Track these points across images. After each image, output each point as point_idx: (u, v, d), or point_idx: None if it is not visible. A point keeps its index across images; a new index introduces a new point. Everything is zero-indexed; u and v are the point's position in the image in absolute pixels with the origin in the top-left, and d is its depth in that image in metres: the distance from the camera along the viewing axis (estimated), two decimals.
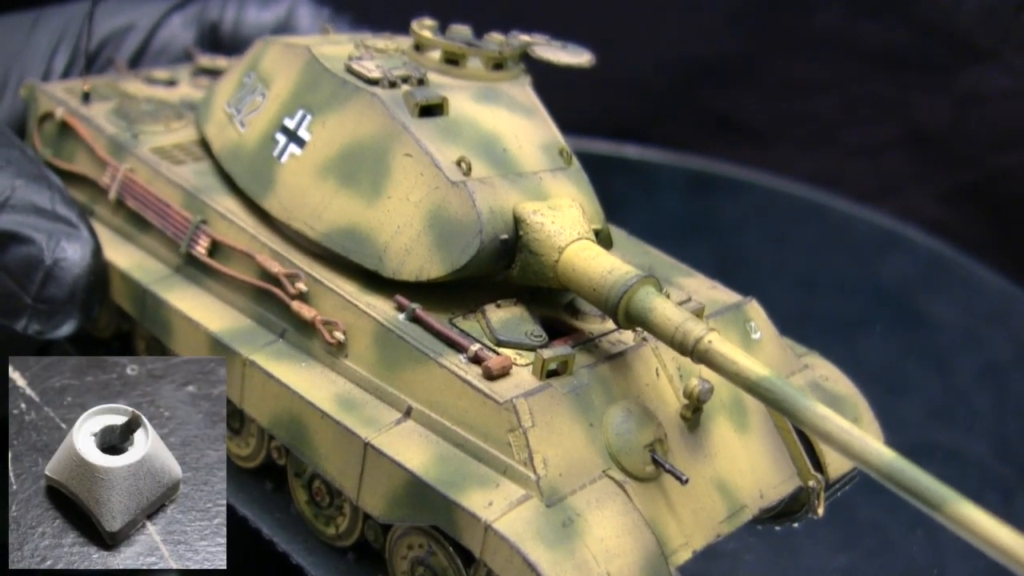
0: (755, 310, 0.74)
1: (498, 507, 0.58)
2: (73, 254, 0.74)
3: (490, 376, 0.61)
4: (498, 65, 0.74)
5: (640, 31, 1.52)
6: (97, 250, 0.76)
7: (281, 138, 0.74)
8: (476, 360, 0.62)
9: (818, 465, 0.71)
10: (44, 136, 0.87)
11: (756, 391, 0.57)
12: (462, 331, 0.65)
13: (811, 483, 0.70)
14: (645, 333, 0.65)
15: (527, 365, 0.63)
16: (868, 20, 1.65)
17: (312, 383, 0.67)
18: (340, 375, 0.67)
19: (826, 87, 1.68)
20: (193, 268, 0.76)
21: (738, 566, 0.98)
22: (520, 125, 0.71)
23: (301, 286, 0.69)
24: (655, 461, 0.62)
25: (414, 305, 0.66)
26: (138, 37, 0.97)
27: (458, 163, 0.66)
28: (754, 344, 0.72)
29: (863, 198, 1.58)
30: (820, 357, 0.77)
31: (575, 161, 0.71)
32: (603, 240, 0.69)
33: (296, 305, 0.69)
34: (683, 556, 0.62)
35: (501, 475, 0.60)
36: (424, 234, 0.66)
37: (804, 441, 0.71)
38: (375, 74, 0.71)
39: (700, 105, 1.67)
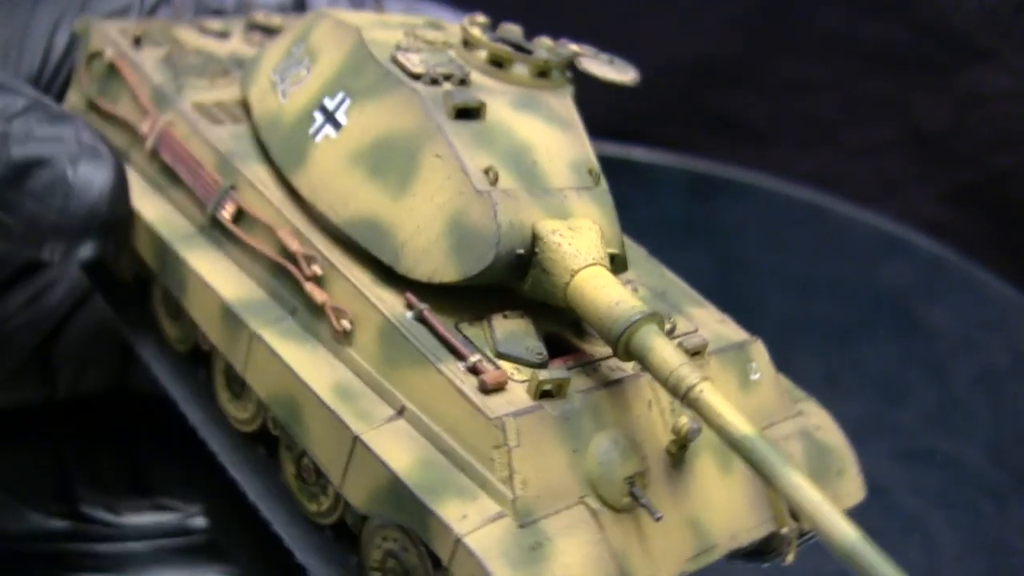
0: (758, 351, 0.73)
1: (471, 521, 0.58)
2: (95, 173, 0.75)
3: (485, 390, 0.61)
4: (543, 73, 0.73)
5: (640, 32, 1.51)
6: (121, 174, 0.77)
7: (319, 117, 0.73)
8: (474, 371, 0.62)
9: (794, 513, 0.70)
10: (91, 74, 0.87)
11: (737, 448, 0.57)
12: (466, 338, 0.65)
13: (784, 530, 0.70)
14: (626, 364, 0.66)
15: (523, 381, 0.63)
16: (868, 20, 1.64)
17: (314, 367, 0.67)
18: (343, 363, 0.67)
19: (826, 87, 1.68)
20: (217, 232, 0.76)
21: (730, 572, 0.98)
22: (554, 138, 0.70)
23: (316, 269, 0.69)
24: (632, 495, 0.62)
25: (423, 305, 0.66)
26: None
27: (486, 171, 0.66)
28: (752, 385, 0.72)
29: (863, 198, 1.58)
30: (816, 404, 0.77)
31: (603, 182, 0.70)
32: (618, 264, 0.69)
33: (309, 287, 0.69)
34: None
35: (480, 488, 0.60)
36: (443, 237, 0.66)
37: None
38: (418, 69, 0.70)
39: (700, 105, 1.67)
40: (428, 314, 0.65)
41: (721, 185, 1.56)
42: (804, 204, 1.52)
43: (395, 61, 0.71)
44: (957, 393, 1.22)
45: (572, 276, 0.64)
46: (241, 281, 0.73)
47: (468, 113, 0.68)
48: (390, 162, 0.69)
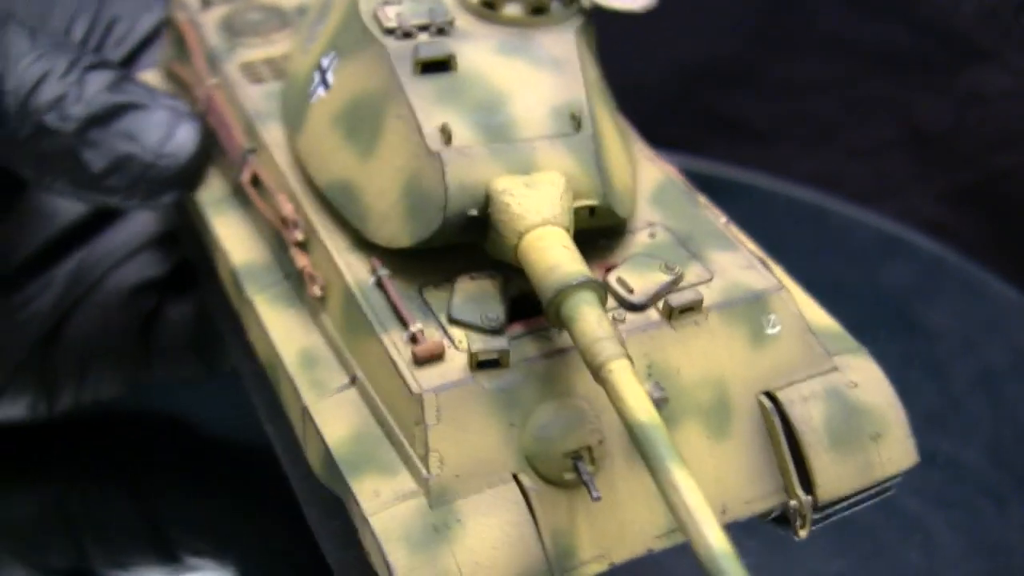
0: (781, 301, 0.66)
1: (382, 500, 0.58)
2: (187, 123, 0.79)
3: (417, 361, 0.60)
4: (538, 9, 0.69)
5: (640, 32, 1.51)
6: (205, 130, 0.80)
7: (316, 76, 0.72)
8: (414, 340, 0.61)
9: (808, 484, 0.66)
10: (169, 40, 0.88)
11: (631, 433, 0.53)
12: (426, 304, 0.64)
13: (793, 502, 0.65)
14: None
15: (467, 351, 0.61)
16: (868, 20, 1.64)
17: (289, 333, 0.68)
18: (317, 329, 0.68)
19: (826, 87, 1.68)
20: (242, 196, 0.77)
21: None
22: (539, 81, 0.67)
23: (298, 234, 0.69)
24: (576, 469, 0.59)
25: (383, 271, 0.65)
26: None
27: (440, 130, 0.63)
28: (767, 340, 0.66)
29: (863, 198, 1.58)
30: (866, 357, 0.69)
31: (588, 126, 0.66)
32: (600, 214, 0.65)
33: (293, 252, 0.69)
34: (594, 568, 0.61)
35: (402, 465, 0.59)
36: (399, 201, 0.65)
37: (797, 456, 0.66)
38: (391, 23, 0.67)
39: (700, 105, 1.67)
40: (387, 280, 0.64)
41: (721, 185, 1.55)
42: (804, 204, 1.51)
43: (374, 16, 0.69)
44: (957, 393, 1.22)
45: (520, 237, 0.60)
46: (252, 246, 0.74)
47: (436, 66, 0.66)
48: (361, 124, 0.68)
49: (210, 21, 0.84)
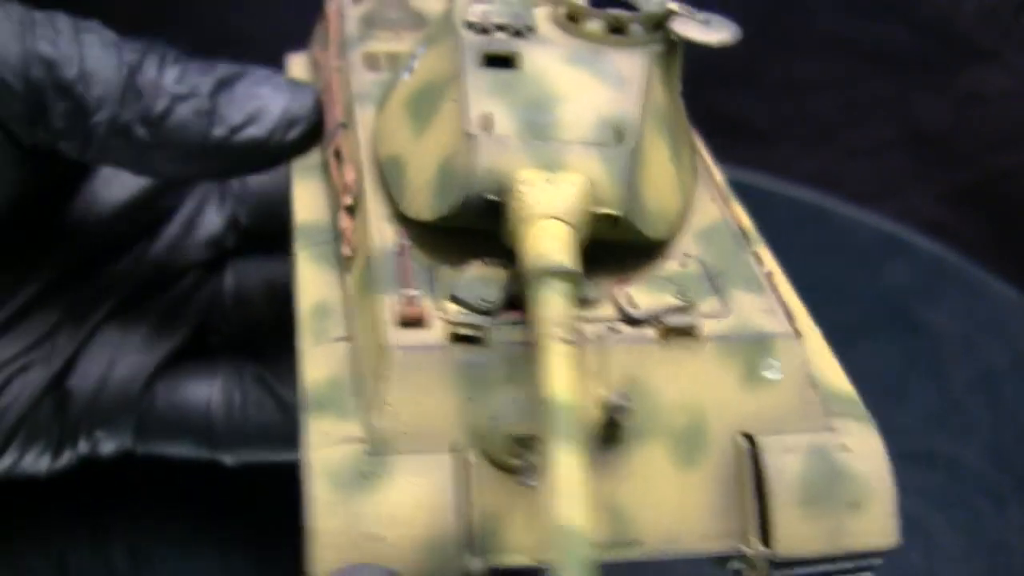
0: (789, 349, 0.65)
1: (328, 440, 0.60)
2: (307, 96, 0.86)
3: (400, 321, 0.62)
4: (616, 29, 0.72)
5: None
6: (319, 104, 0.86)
7: (408, 62, 0.77)
8: (406, 304, 0.63)
9: (768, 536, 0.62)
10: (319, 30, 0.93)
11: (543, 409, 0.53)
12: (434, 277, 0.66)
13: (748, 550, 0.62)
14: (598, 327, 0.64)
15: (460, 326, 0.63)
16: (868, 20, 1.64)
17: (314, 286, 0.71)
18: (341, 288, 0.71)
19: (826, 87, 1.68)
20: (327, 166, 0.82)
21: (726, 573, 0.98)
22: (596, 93, 0.68)
23: (348, 199, 0.73)
24: (518, 454, 0.60)
25: (406, 241, 0.68)
26: None
27: (484, 117, 0.66)
28: (761, 382, 0.64)
29: (863, 198, 1.58)
30: (871, 427, 0.66)
31: (630, 142, 0.67)
32: (624, 227, 0.66)
33: (340, 214, 0.74)
34: (516, 559, 0.60)
35: (360, 412, 0.61)
36: (433, 179, 0.67)
37: (764, 506, 0.63)
38: (475, 19, 0.71)
39: (700, 105, 1.67)
40: (406, 249, 0.67)
41: None
42: (804, 204, 1.52)
43: (463, 12, 0.73)
44: (957, 394, 1.22)
45: (524, 225, 0.62)
46: (318, 209, 0.78)
47: (501, 61, 0.69)
48: (424, 105, 0.71)
49: (354, 14, 0.90)
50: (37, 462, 0.89)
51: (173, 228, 1.01)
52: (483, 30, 0.70)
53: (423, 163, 0.69)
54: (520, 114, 0.67)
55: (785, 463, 0.62)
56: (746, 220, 0.81)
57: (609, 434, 0.62)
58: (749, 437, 0.63)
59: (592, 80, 0.69)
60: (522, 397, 0.61)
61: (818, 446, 0.63)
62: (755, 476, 0.62)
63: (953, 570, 1.00)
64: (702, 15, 0.73)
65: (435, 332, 0.62)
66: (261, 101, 0.86)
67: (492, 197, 0.64)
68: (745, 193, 1.54)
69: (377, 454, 0.59)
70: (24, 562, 0.89)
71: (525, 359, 0.61)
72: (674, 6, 0.73)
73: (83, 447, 0.92)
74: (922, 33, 1.61)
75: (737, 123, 1.70)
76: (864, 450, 0.65)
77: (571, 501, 0.49)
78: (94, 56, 0.82)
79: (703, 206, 0.76)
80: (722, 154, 1.29)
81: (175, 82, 0.84)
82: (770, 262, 0.76)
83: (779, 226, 1.52)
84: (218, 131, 0.85)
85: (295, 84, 0.89)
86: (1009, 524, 1.05)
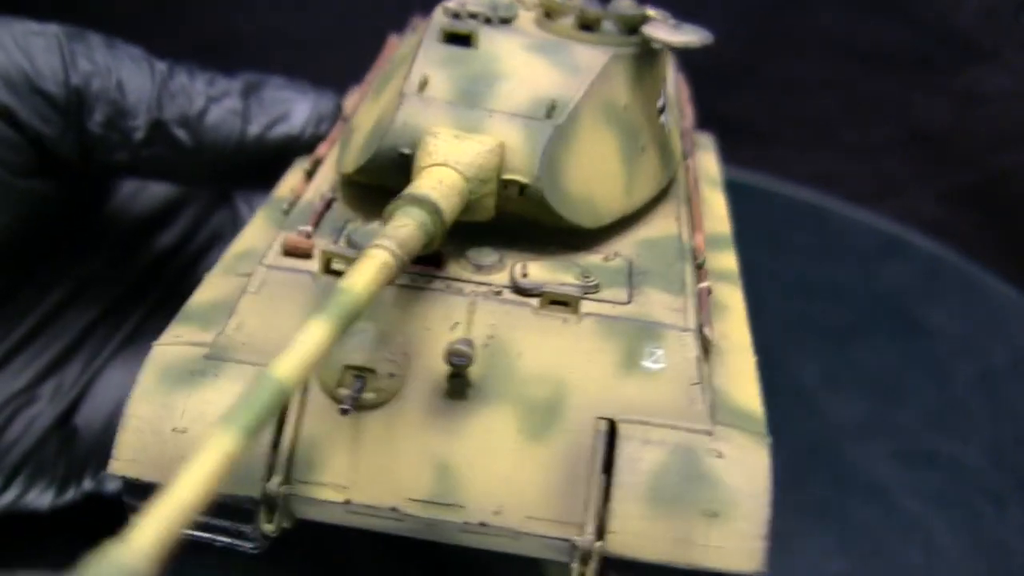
0: (679, 342, 0.62)
1: (176, 340, 0.62)
2: (330, 97, 0.93)
3: (284, 251, 0.65)
4: (586, 26, 0.74)
5: None
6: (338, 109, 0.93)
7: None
8: (297, 236, 0.66)
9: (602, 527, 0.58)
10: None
11: (335, 292, 0.53)
12: (345, 225, 0.69)
13: (579, 539, 0.57)
14: (483, 289, 0.64)
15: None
16: (868, 20, 1.64)
17: (251, 237, 0.73)
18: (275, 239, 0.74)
19: (826, 87, 1.68)
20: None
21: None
22: (543, 76, 0.70)
23: (307, 164, 0.80)
24: (348, 384, 0.59)
25: (332, 194, 0.73)
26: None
27: (420, 80, 0.68)
28: (640, 370, 0.61)
29: (862, 198, 1.58)
30: (764, 447, 0.60)
31: (559, 119, 0.67)
32: (532, 199, 0.66)
33: (296, 174, 0.80)
34: (328, 494, 0.59)
35: (221, 320, 0.63)
36: (365, 135, 0.71)
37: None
38: (453, 5, 0.74)
39: (700, 105, 1.67)
40: (329, 199, 0.72)
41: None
42: (804, 204, 1.52)
43: (447, 4, 0.76)
44: (957, 394, 1.22)
45: (420, 172, 0.63)
46: (297, 186, 0.79)
47: (458, 39, 0.71)
48: (386, 79, 0.76)
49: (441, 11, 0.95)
50: (40, 498, 0.89)
51: (183, 260, 1.03)
52: (455, 15, 0.73)
53: (364, 124, 0.72)
54: (458, 83, 0.69)
55: (641, 454, 0.58)
56: (728, 262, 0.80)
57: (452, 386, 0.60)
58: (611, 422, 0.60)
59: (545, 67, 0.70)
60: (369, 332, 0.60)
61: (687, 446, 0.59)
62: (606, 464, 0.59)
63: (953, 570, 1.00)
64: (673, 21, 0.75)
65: (311, 264, 0.64)
66: (289, 102, 0.91)
67: (404, 150, 0.67)
68: (745, 193, 1.55)
69: (213, 358, 0.60)
70: (30, 567, 0.89)
71: (393, 302, 0.62)
72: (652, 12, 0.76)
73: (88, 484, 0.92)
74: (922, 33, 1.61)
75: (737, 123, 1.70)
76: (742, 462, 0.59)
77: (290, 356, 0.48)
78: (127, 67, 0.86)
79: (660, 221, 0.76)
80: (722, 154, 1.29)
81: (206, 86, 0.89)
82: (731, 298, 0.74)
83: (779, 226, 1.52)
84: (253, 128, 0.89)
85: (316, 87, 0.93)
86: (1009, 524, 1.05)
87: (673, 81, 1.02)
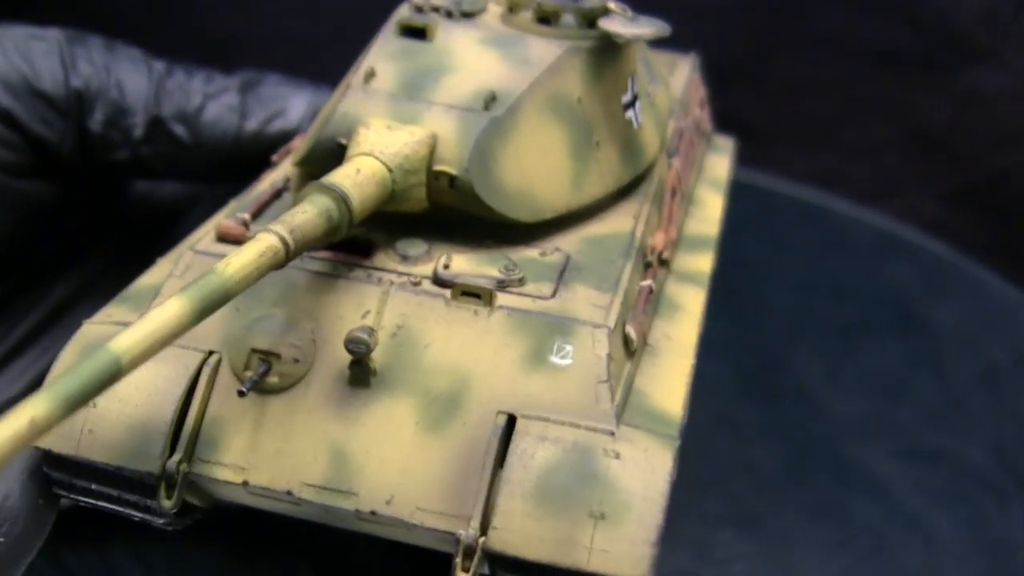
0: (590, 338, 0.61)
1: (106, 319, 0.64)
2: (325, 93, 0.94)
3: (217, 236, 0.67)
4: (544, 19, 0.74)
5: None
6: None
7: None
8: (232, 223, 0.69)
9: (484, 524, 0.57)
10: None
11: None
12: (292, 212, 0.67)
13: (462, 533, 0.56)
14: (402, 279, 0.64)
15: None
16: (868, 20, 1.64)
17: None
18: None
19: (826, 87, 1.68)
20: None
21: (729, 566, 0.98)
22: (491, 68, 0.70)
23: (276, 157, 0.82)
24: (253, 367, 0.60)
25: (283, 183, 0.75)
26: None
27: (367, 71, 0.70)
28: (546, 365, 0.60)
29: (863, 198, 1.58)
30: (669, 450, 0.58)
31: (497, 111, 0.68)
32: (464, 194, 0.66)
33: (270, 170, 0.82)
34: (225, 474, 0.60)
35: (150, 300, 0.65)
36: (316, 126, 0.71)
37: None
38: (418, 1, 0.75)
39: None
40: (280, 188, 0.74)
41: None
42: (804, 203, 1.52)
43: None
44: (959, 392, 1.22)
45: (347, 161, 0.64)
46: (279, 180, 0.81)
47: (414, 32, 0.72)
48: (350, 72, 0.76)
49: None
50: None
51: None
52: (418, 8, 0.74)
53: (320, 116, 0.73)
54: (405, 75, 0.70)
55: (535, 451, 0.57)
56: (703, 264, 0.79)
57: (354, 374, 0.60)
58: (511, 417, 0.59)
59: (495, 59, 0.71)
60: (278, 317, 0.61)
61: (583, 445, 0.57)
62: (501, 459, 0.58)
63: (956, 567, 1.00)
64: (630, 14, 0.75)
65: (253, 253, 0.63)
66: (285, 98, 0.93)
67: (341, 140, 0.68)
68: (746, 192, 1.55)
69: None
70: None
71: (308, 289, 0.63)
72: (612, 5, 0.75)
73: None
74: (922, 33, 1.61)
75: (737, 123, 1.70)
76: (640, 464, 0.57)
77: (134, 331, 0.47)
78: (125, 67, 0.88)
79: (615, 218, 0.74)
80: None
81: (204, 83, 0.91)
82: (691, 300, 0.73)
83: (780, 224, 1.52)
84: (251, 124, 0.91)
85: (312, 84, 0.94)
86: (1011, 522, 1.05)
87: (685, 80, 1.01)
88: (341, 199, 0.58)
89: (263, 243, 0.54)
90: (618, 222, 0.74)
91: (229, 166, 0.92)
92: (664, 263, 0.75)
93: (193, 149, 0.90)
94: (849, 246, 1.45)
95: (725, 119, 1.75)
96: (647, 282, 0.69)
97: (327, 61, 1.17)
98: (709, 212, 0.87)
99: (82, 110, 0.85)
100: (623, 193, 0.76)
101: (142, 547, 0.94)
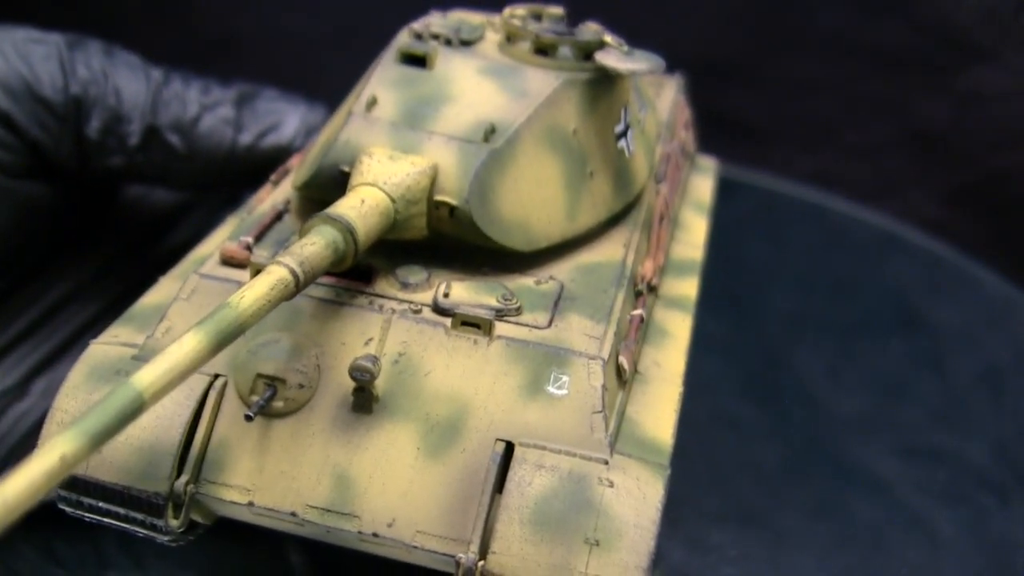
0: (586, 370, 0.63)
1: (111, 340, 0.65)
2: (319, 109, 0.97)
3: (221, 259, 0.68)
4: (541, 51, 0.75)
5: (639, 31, 1.52)
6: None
7: None
8: (236, 246, 0.69)
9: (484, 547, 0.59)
10: None
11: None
12: (291, 238, 0.70)
13: (460, 557, 0.58)
14: (403, 307, 0.65)
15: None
16: (868, 20, 1.65)
17: (214, 244, 0.75)
18: None
19: (826, 87, 1.68)
20: None
21: (729, 565, 0.98)
22: (489, 100, 0.71)
23: (275, 176, 0.82)
24: (259, 391, 0.61)
25: (283, 207, 0.75)
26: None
27: (368, 99, 0.71)
28: (543, 395, 0.62)
29: (863, 198, 1.58)
30: (660, 480, 0.60)
31: (497, 143, 0.69)
32: (463, 223, 0.67)
33: (266, 189, 0.82)
34: (231, 495, 0.61)
35: (155, 321, 0.66)
36: (316, 151, 0.73)
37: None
38: (418, 27, 0.77)
39: (700, 105, 1.67)
40: (280, 211, 0.75)
41: (721, 184, 1.56)
42: (804, 202, 1.52)
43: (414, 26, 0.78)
44: (959, 390, 1.22)
45: (351, 191, 0.65)
46: (281, 196, 0.81)
47: (414, 60, 0.73)
48: (346, 99, 0.77)
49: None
50: None
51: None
52: (418, 36, 0.75)
53: (320, 141, 0.74)
54: (406, 104, 0.71)
55: (532, 478, 0.59)
56: (688, 289, 0.80)
57: (357, 400, 0.62)
58: (509, 445, 0.61)
59: (494, 90, 0.72)
60: (283, 343, 0.62)
61: (579, 473, 0.60)
62: (500, 485, 0.60)
63: (956, 566, 1.00)
64: (626, 48, 0.76)
65: (245, 275, 0.65)
66: (280, 113, 0.94)
67: (344, 168, 0.69)
68: (746, 191, 1.55)
69: (141, 359, 0.63)
70: (11, 548, 0.89)
71: (314, 314, 0.64)
72: (608, 38, 0.77)
73: None
74: (922, 33, 1.61)
75: (737, 123, 1.70)
76: (633, 493, 0.59)
77: (155, 366, 0.49)
78: (123, 74, 0.88)
79: (607, 246, 0.76)
80: (723, 154, 1.29)
81: (200, 94, 0.92)
82: (678, 326, 0.75)
83: (780, 223, 1.52)
84: (245, 137, 0.92)
85: (307, 100, 0.96)
86: (1013, 519, 1.05)
87: (671, 104, 1.03)
88: (347, 230, 0.60)
89: (274, 276, 0.55)
90: (609, 250, 0.75)
91: (220, 178, 0.94)
92: (652, 289, 0.77)
93: (186, 159, 0.91)
94: (849, 245, 1.45)
95: (725, 119, 1.75)
96: (638, 311, 0.71)
97: (327, 61, 1.17)
98: (694, 236, 0.89)
99: (80, 116, 0.86)
100: (614, 220, 0.78)
101: (133, 537, 0.94)
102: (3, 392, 0.89)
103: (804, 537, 1.01)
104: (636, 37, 0.80)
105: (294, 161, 0.83)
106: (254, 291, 0.54)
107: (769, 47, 1.66)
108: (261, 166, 0.92)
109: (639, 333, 0.70)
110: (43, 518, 0.91)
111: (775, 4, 1.64)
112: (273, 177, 0.81)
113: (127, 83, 0.89)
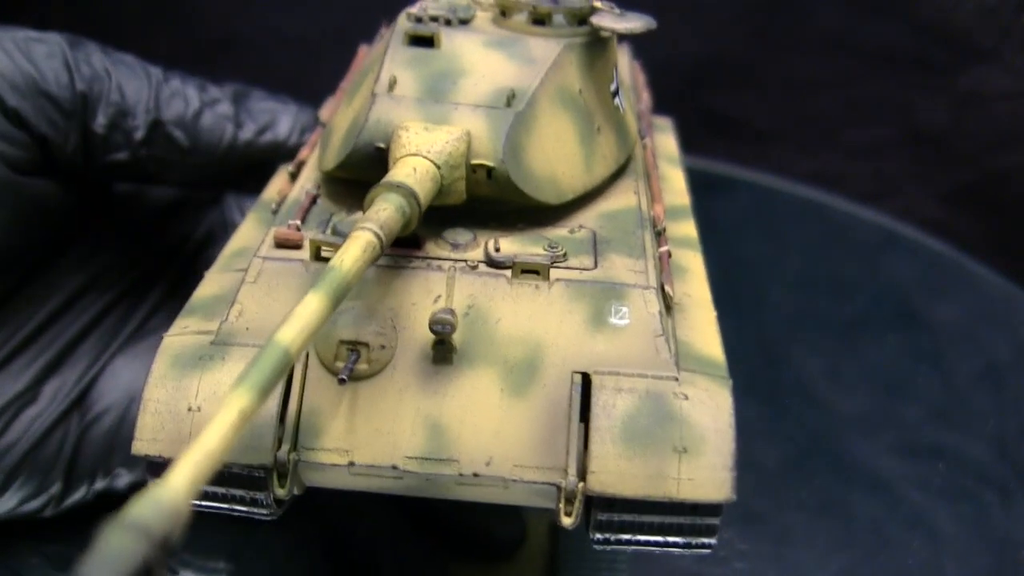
0: (642, 298, 0.67)
1: (184, 330, 0.66)
2: (307, 110, 0.99)
3: (276, 243, 0.70)
4: (538, 21, 0.79)
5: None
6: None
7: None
8: (288, 230, 0.71)
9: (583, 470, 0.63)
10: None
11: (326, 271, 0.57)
12: (330, 217, 0.73)
13: (563, 482, 0.62)
14: (460, 264, 0.68)
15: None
16: (868, 20, 1.65)
17: (244, 236, 0.78)
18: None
19: (826, 87, 1.68)
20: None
21: (732, 564, 0.98)
22: (502, 69, 0.75)
23: (291, 167, 0.84)
24: (343, 358, 0.64)
25: (316, 191, 0.77)
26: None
27: (389, 80, 0.73)
28: (607, 326, 0.66)
29: (863, 198, 1.58)
30: (725, 388, 0.65)
31: (519, 106, 0.73)
32: (500, 181, 0.71)
33: (280, 177, 0.85)
34: (332, 458, 0.63)
35: (222, 310, 0.67)
36: (342, 134, 0.75)
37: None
38: (415, 11, 0.79)
39: (700, 105, 1.67)
40: (314, 194, 0.76)
41: (721, 183, 1.56)
42: (804, 201, 1.52)
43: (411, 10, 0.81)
44: (960, 388, 1.22)
45: (395, 162, 0.68)
46: (284, 188, 0.83)
47: (422, 41, 0.77)
48: (357, 83, 0.81)
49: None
50: (40, 499, 0.90)
51: (182, 260, 1.05)
52: (418, 19, 0.78)
53: (341, 125, 0.77)
54: (425, 81, 0.74)
55: (615, 401, 0.64)
56: (689, 230, 0.84)
57: (438, 352, 0.65)
58: (585, 375, 0.65)
59: (503, 61, 0.76)
60: (359, 309, 0.65)
61: (656, 391, 0.64)
62: (582, 413, 0.64)
63: (958, 563, 1.00)
64: (618, 10, 0.80)
65: (302, 253, 0.68)
66: (274, 112, 0.98)
67: (380, 145, 0.71)
68: (746, 190, 1.55)
69: (219, 343, 0.65)
70: (20, 560, 0.89)
71: (378, 280, 0.67)
72: (598, 3, 0.80)
73: (100, 483, 0.92)
74: (922, 33, 1.62)
75: (737, 123, 1.70)
76: (706, 402, 0.64)
77: (291, 324, 0.52)
78: (124, 72, 0.91)
79: (620, 195, 0.81)
80: (723, 153, 1.30)
81: (199, 91, 0.94)
82: (691, 262, 0.78)
83: (781, 222, 1.53)
84: (244, 134, 0.95)
85: (296, 101, 0.99)
86: (1014, 516, 1.05)
87: (628, 67, 1.09)
88: (411, 195, 0.63)
89: (363, 239, 0.58)
90: (623, 199, 0.80)
91: (217, 172, 0.96)
92: (662, 232, 0.81)
93: (188, 154, 0.93)
94: (849, 244, 1.45)
95: (726, 118, 1.75)
96: (664, 247, 0.74)
97: (327, 61, 1.17)
98: (676, 185, 0.93)
99: (86, 112, 0.88)
100: (618, 173, 0.83)
101: None
102: (14, 397, 0.89)
103: (805, 535, 1.01)
104: (637, 38, 0.81)
105: (304, 153, 0.86)
106: (350, 254, 0.57)
107: (769, 47, 1.66)
108: (258, 162, 0.95)
109: (668, 266, 0.74)
110: (48, 525, 0.91)
111: (775, 4, 1.64)
112: (291, 169, 0.84)
113: (128, 80, 0.91)
